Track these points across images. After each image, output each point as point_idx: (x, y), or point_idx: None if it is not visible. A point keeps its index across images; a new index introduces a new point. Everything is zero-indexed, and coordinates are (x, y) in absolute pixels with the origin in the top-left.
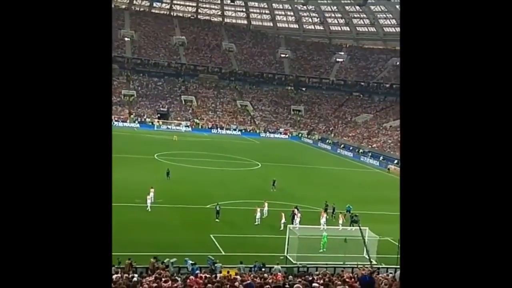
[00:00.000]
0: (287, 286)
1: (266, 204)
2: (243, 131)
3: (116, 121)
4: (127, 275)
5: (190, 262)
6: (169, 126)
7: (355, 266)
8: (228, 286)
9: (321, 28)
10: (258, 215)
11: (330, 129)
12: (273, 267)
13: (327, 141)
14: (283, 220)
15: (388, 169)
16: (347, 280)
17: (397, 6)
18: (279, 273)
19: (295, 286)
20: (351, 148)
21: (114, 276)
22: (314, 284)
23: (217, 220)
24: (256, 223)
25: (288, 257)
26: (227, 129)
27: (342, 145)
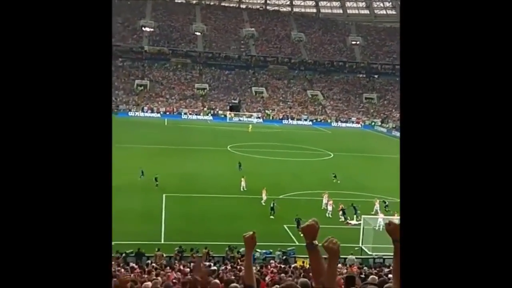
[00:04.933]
0: (362, 276)
1: (326, 195)
2: (314, 121)
3: (190, 114)
4: (205, 263)
5: (264, 251)
6: (241, 118)
7: None
8: (302, 274)
9: (393, 12)
10: (329, 207)
11: None
12: (347, 257)
13: None
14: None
15: None
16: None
17: None
18: (354, 265)
19: (370, 277)
20: None
21: (191, 264)
22: (390, 275)
23: (272, 217)
24: (328, 215)
25: (364, 248)
26: (298, 119)
27: None
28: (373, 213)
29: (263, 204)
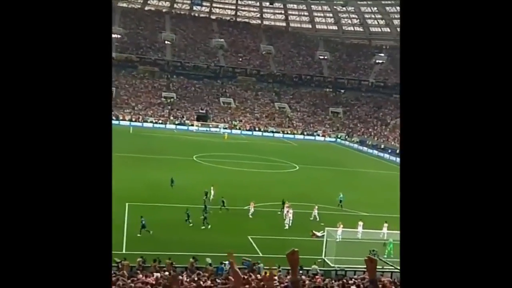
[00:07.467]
0: None
1: (287, 206)
2: (281, 133)
3: (155, 123)
4: (168, 273)
5: (227, 262)
6: (208, 128)
7: (396, 270)
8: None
9: (361, 29)
10: (290, 215)
11: (370, 131)
12: (309, 269)
13: (366, 143)
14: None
15: None
16: (386, 284)
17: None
18: (316, 276)
19: None
20: (390, 150)
21: (155, 275)
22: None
23: (141, 231)
24: (286, 226)
25: (326, 260)
26: (264, 131)
27: (382, 148)
28: (311, 219)
29: (250, 216)
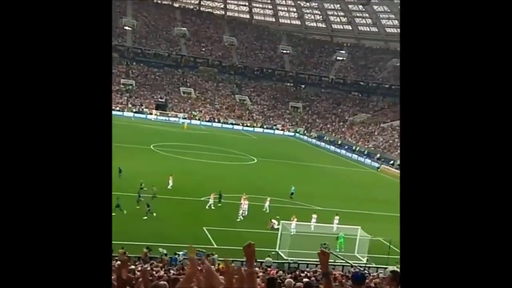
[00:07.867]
0: (278, 281)
1: (244, 198)
2: (241, 125)
3: (113, 110)
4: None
5: (182, 253)
6: (167, 118)
7: (346, 264)
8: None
9: (323, 25)
10: (245, 206)
11: (327, 127)
12: (263, 261)
13: (324, 138)
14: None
15: (378, 168)
16: (337, 277)
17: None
18: (270, 268)
19: (286, 280)
20: (347, 147)
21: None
22: (304, 280)
23: (146, 216)
24: (239, 218)
25: (280, 252)
26: (224, 122)
27: (339, 144)
28: (267, 212)
29: (209, 208)
